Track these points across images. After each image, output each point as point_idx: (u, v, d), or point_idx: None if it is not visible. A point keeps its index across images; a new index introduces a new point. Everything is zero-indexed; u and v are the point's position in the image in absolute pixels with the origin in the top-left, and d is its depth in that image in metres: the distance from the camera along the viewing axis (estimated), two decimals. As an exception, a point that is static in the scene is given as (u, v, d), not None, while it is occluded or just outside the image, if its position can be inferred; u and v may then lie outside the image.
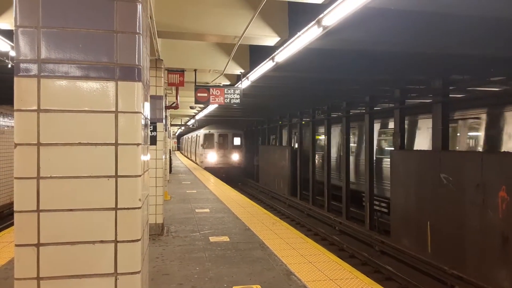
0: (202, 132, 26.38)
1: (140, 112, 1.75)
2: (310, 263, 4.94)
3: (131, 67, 1.73)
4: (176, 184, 14.09)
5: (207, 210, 8.80)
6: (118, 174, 1.71)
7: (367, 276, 4.59)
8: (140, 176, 1.73)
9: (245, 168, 26.75)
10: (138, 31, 1.74)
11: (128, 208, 1.70)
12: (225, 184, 14.64)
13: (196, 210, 8.72)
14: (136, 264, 1.72)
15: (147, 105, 2.09)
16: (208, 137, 25.90)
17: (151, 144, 5.93)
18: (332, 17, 4.51)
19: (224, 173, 23.95)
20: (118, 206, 1.71)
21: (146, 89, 2.04)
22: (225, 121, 26.09)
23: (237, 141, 26.24)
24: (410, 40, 6.41)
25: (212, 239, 6.13)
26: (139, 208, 1.71)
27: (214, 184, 14.34)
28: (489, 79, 8.64)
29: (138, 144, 1.73)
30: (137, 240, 1.71)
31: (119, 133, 1.72)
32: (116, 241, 1.70)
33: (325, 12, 4.47)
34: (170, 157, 17.18)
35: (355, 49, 7.03)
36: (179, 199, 10.48)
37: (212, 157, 25.28)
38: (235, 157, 25.65)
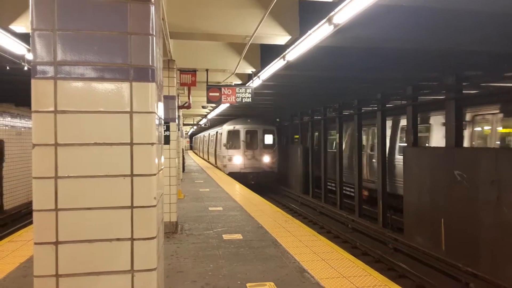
0: (225, 128, 20.76)
1: (154, 112, 1.78)
2: (323, 261, 4.94)
3: (145, 68, 1.76)
4: (189, 183, 14.19)
5: (220, 208, 8.85)
6: (134, 173, 1.75)
7: (381, 274, 4.57)
8: (155, 175, 1.76)
9: (279, 173, 21.19)
10: (151, 33, 1.77)
11: (143, 207, 1.74)
12: (237, 182, 14.69)
13: (209, 208, 8.78)
14: (152, 261, 1.75)
15: (160, 105, 2.12)
16: (232, 135, 20.47)
17: (164, 144, 5.99)
18: (343, 15, 4.50)
19: (254, 180, 19.53)
20: (134, 205, 1.74)
21: (160, 90, 2.07)
22: (251, 115, 21.37)
23: (268, 139, 20.73)
24: (421, 37, 6.34)
25: (226, 237, 6.17)
26: (154, 206, 1.75)
27: (227, 183, 14.40)
28: (502, 75, 8.49)
29: (152, 144, 1.76)
30: (153, 238, 1.74)
31: (134, 133, 1.75)
32: (132, 239, 1.74)
33: (336, 9, 4.46)
34: (183, 156, 17.31)
35: (366, 47, 6.99)
36: (193, 197, 10.55)
37: (238, 159, 20.06)
38: (267, 159, 20.28)
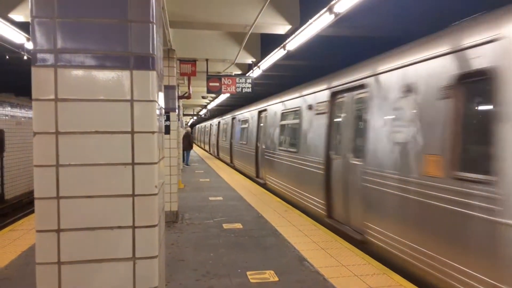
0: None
1: (155, 101, 1.78)
2: (322, 250, 4.98)
3: (145, 56, 1.75)
4: (190, 173, 14.23)
5: (220, 198, 8.89)
6: (135, 161, 1.75)
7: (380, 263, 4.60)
8: (156, 163, 1.77)
9: None
10: (151, 20, 1.76)
11: (145, 195, 1.74)
12: (238, 173, 14.73)
13: (210, 198, 8.81)
14: (153, 249, 1.77)
15: (161, 94, 2.12)
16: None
17: (165, 134, 6.00)
18: (344, 3, 4.47)
19: None
20: (136, 193, 1.75)
21: (160, 79, 2.06)
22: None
23: None
24: (422, 25, 6.31)
25: (226, 226, 6.21)
26: (155, 194, 1.75)
27: (227, 173, 14.44)
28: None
29: (153, 132, 1.76)
30: (154, 226, 1.75)
31: (135, 121, 1.75)
32: (134, 227, 1.75)
33: (338, -3, 4.44)
34: (183, 146, 17.32)
35: (366, 36, 6.97)
36: (193, 187, 10.59)
37: None
38: None
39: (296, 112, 8.48)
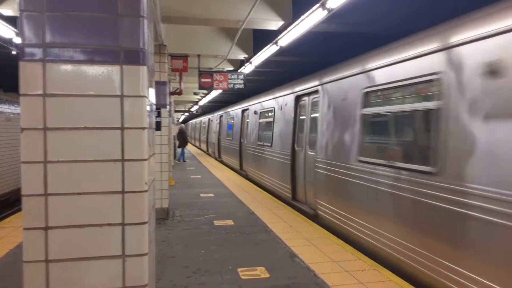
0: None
1: (145, 96, 1.75)
2: (313, 246, 4.99)
3: (136, 51, 1.73)
4: (181, 170, 14.17)
5: (212, 194, 8.87)
6: (125, 158, 1.73)
7: (370, 258, 4.63)
8: (146, 160, 1.75)
9: None
10: (142, 14, 1.73)
11: (135, 192, 1.72)
12: (229, 169, 14.71)
13: (201, 195, 8.79)
14: (143, 246, 1.75)
15: (151, 90, 2.10)
16: None
17: (156, 130, 5.95)
18: None
19: None
20: (125, 190, 1.73)
21: (151, 74, 2.04)
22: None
23: None
24: (412, 22, 6.33)
25: (217, 223, 6.19)
26: (145, 191, 1.74)
27: (218, 170, 14.41)
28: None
29: (144, 128, 1.74)
30: (144, 223, 1.74)
31: (125, 117, 1.73)
32: (123, 224, 1.73)
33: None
34: (174, 143, 17.21)
35: (358, 32, 6.97)
36: (184, 184, 10.55)
37: None
38: None
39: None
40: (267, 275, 4.02)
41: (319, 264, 4.35)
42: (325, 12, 4.77)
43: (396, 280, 3.91)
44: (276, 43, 6.74)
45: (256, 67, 9.18)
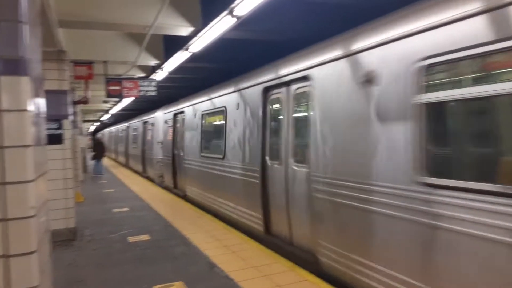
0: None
1: (28, 110, 1.56)
2: (233, 253, 4.96)
3: (15, 60, 1.53)
4: (91, 184, 13.27)
5: (126, 209, 8.41)
6: (6, 180, 1.52)
7: (289, 260, 4.73)
8: (32, 181, 1.55)
9: None
10: (20, 20, 1.54)
11: (18, 218, 1.52)
12: (146, 180, 14.13)
13: (113, 210, 8.28)
14: (32, 278, 1.55)
15: (41, 101, 1.89)
16: None
17: (56, 143, 5.47)
18: (244, 7, 4.51)
19: None
20: (8, 217, 1.52)
21: (38, 84, 1.83)
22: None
23: None
24: (320, 28, 6.67)
25: (131, 239, 5.87)
26: (31, 217, 1.54)
27: (134, 182, 13.77)
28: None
29: (27, 146, 1.54)
30: (32, 253, 1.54)
31: (5, 134, 1.52)
32: (7, 256, 1.52)
33: (238, 1, 4.45)
34: (84, 156, 16.01)
35: (266, 40, 7.15)
36: (95, 199, 9.87)
37: None
38: None
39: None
40: (185, 289, 3.89)
41: (239, 271, 4.33)
42: (234, 19, 4.81)
43: (311, 279, 4.03)
44: (187, 49, 6.63)
45: (170, 73, 8.95)
